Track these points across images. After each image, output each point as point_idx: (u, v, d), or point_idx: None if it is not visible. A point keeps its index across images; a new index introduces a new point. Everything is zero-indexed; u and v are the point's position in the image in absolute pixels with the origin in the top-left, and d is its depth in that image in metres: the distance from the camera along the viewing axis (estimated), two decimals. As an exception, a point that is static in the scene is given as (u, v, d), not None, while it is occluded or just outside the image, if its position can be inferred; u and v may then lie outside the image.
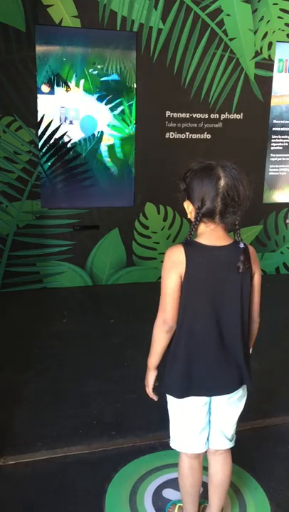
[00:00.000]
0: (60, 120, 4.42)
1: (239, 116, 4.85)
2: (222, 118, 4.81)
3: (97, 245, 4.78)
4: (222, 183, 1.62)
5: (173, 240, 4.93)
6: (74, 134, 4.48)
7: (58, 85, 4.30)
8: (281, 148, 5.11)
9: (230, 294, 1.70)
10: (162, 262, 1.72)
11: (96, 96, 4.45)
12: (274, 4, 4.67)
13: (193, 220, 1.69)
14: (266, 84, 4.85)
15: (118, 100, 4.52)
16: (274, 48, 4.79)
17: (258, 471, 2.40)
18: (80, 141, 4.50)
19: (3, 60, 4.15)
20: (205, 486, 2.05)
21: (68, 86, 4.31)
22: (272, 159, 5.11)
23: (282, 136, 5.09)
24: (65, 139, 4.45)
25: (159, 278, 1.73)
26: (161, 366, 1.80)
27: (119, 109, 4.55)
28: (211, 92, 4.72)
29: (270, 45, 4.77)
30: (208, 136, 4.81)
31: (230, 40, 4.64)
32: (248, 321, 1.80)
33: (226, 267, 1.69)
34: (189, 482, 1.91)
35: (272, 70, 4.85)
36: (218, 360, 1.73)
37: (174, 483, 2.24)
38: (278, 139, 5.08)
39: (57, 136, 4.43)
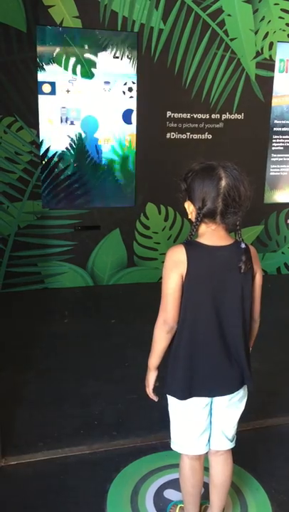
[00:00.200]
0: (61, 121, 4.42)
1: (240, 117, 4.85)
2: (223, 118, 4.81)
3: (98, 246, 4.78)
4: (223, 183, 1.62)
5: (174, 240, 4.93)
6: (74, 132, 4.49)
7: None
8: (282, 148, 5.11)
9: (231, 293, 1.70)
10: (163, 262, 1.72)
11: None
12: (275, 4, 4.67)
13: (194, 220, 1.69)
14: (267, 84, 4.85)
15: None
16: (275, 48, 4.79)
17: (259, 472, 2.40)
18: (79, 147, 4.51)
19: (4, 60, 4.15)
20: (206, 486, 2.04)
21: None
22: (273, 159, 5.11)
23: (283, 137, 5.09)
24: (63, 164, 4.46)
25: (160, 278, 1.73)
26: (162, 367, 1.80)
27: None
28: (212, 93, 4.72)
29: (271, 45, 4.77)
30: (209, 137, 4.80)
31: (231, 40, 4.64)
32: (250, 321, 1.80)
33: (227, 266, 1.69)
34: (190, 483, 1.91)
35: (273, 70, 4.84)
36: (220, 360, 1.73)
37: (175, 484, 2.24)
38: (279, 139, 5.08)
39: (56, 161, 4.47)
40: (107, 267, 4.86)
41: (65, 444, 2.53)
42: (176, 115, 4.67)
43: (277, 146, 5.09)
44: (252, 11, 4.61)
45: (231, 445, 1.90)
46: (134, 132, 4.63)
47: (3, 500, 2.20)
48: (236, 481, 2.29)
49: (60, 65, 4.28)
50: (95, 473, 2.36)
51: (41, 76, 4.26)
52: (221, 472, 1.93)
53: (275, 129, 5.04)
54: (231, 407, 1.82)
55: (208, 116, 4.76)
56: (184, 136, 4.73)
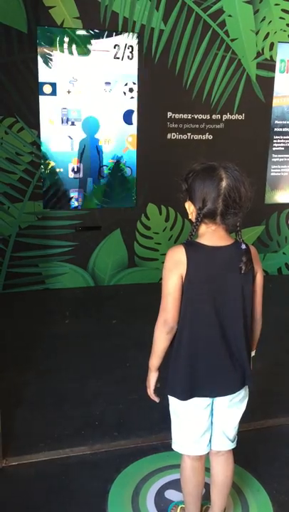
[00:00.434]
0: (62, 121, 4.43)
1: (241, 117, 4.85)
2: (224, 119, 4.81)
3: (99, 246, 4.78)
4: (224, 184, 1.62)
5: (175, 240, 4.93)
6: (76, 135, 4.49)
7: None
8: (283, 148, 5.11)
9: (231, 293, 1.70)
10: (164, 262, 1.72)
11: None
12: (276, 5, 4.67)
13: (194, 220, 1.69)
14: (268, 84, 4.85)
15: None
16: (276, 48, 4.79)
17: (260, 472, 2.40)
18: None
19: (5, 61, 4.16)
20: (207, 487, 2.05)
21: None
22: (274, 160, 5.10)
23: (284, 137, 5.09)
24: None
25: (161, 279, 1.73)
26: (163, 367, 1.80)
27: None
28: (212, 93, 4.72)
29: (272, 45, 4.77)
30: (210, 137, 4.81)
31: (232, 40, 4.64)
32: (251, 321, 1.80)
33: (227, 267, 1.69)
34: (191, 483, 1.91)
35: (273, 71, 4.85)
36: (221, 360, 1.73)
37: (176, 484, 2.24)
38: (280, 139, 5.08)
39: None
40: (108, 267, 4.87)
41: (66, 445, 2.53)
42: (176, 116, 4.68)
43: (278, 147, 5.09)
44: (253, 11, 4.61)
45: (232, 445, 1.90)
46: (135, 133, 4.63)
47: (4, 500, 2.21)
48: (237, 482, 2.29)
49: (55, 47, 4.23)
50: (96, 473, 2.36)
51: (42, 76, 4.26)
52: (222, 472, 1.93)
53: (275, 129, 5.04)
54: (232, 407, 1.82)
55: (208, 117, 4.76)
56: (184, 137, 4.74)
